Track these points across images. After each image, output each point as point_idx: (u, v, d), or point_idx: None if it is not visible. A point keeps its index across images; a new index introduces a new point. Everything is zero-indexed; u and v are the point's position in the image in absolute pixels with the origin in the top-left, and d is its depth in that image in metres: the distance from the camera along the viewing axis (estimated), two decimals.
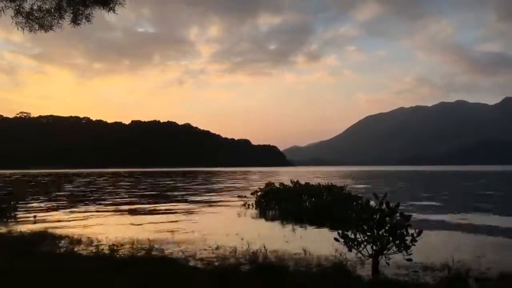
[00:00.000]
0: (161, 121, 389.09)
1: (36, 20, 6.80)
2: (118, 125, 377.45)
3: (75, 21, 6.84)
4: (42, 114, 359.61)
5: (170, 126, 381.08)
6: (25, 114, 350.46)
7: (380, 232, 7.44)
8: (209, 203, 23.30)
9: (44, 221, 15.68)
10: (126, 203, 23.73)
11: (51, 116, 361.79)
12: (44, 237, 11.42)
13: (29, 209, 20.05)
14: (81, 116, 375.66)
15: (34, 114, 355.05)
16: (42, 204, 22.93)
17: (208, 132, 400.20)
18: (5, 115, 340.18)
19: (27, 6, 6.65)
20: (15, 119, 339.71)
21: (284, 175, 77.14)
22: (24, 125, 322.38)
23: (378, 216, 7.48)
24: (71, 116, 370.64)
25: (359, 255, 7.88)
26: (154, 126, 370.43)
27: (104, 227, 14.17)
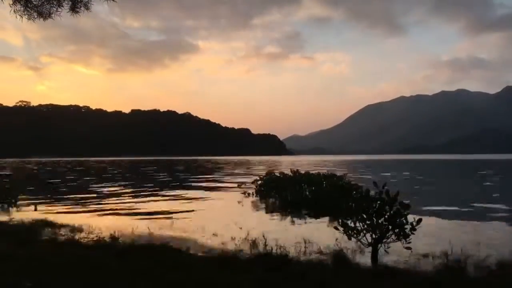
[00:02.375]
0: (161, 110, 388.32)
1: (34, 8, 6.74)
2: (117, 114, 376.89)
3: (73, 9, 6.77)
4: (42, 103, 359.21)
5: (170, 115, 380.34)
6: (24, 103, 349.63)
7: (380, 221, 7.48)
8: (209, 192, 23.37)
9: (45, 209, 15.75)
10: (126, 191, 23.80)
11: (51, 104, 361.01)
12: (45, 225, 11.49)
13: (30, 197, 20.11)
14: (81, 105, 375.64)
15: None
16: (43, 193, 23.01)
17: (208, 121, 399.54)
18: (4, 104, 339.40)
19: None
20: (15, 107, 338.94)
21: (284, 164, 77.26)
22: (24, 114, 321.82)
23: (377, 205, 7.51)
24: (70, 105, 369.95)
25: (359, 243, 7.94)
26: (154, 115, 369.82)
27: (104, 215, 14.24)
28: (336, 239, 9.09)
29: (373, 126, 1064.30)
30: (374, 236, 7.62)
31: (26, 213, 14.51)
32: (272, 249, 8.55)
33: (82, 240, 9.48)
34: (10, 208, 16.00)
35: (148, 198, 20.15)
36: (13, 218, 13.34)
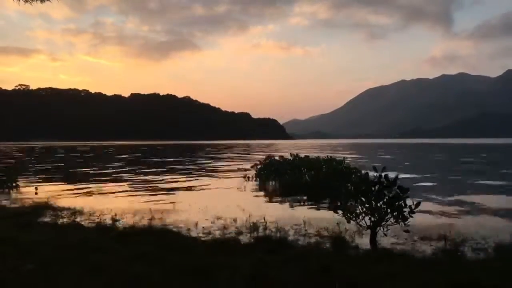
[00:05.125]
0: (161, 94, 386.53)
1: None
2: (117, 98, 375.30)
3: None
4: (41, 87, 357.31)
5: (170, 99, 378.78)
6: (24, 87, 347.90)
7: (379, 204, 7.52)
8: (210, 176, 23.45)
9: (46, 192, 15.80)
10: (126, 176, 23.88)
11: (50, 88, 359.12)
12: (46, 208, 11.54)
13: (31, 180, 20.18)
14: (80, 88, 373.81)
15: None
16: (43, 176, 23.08)
17: (208, 105, 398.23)
18: (4, 87, 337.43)
19: None
20: (14, 91, 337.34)
21: (284, 148, 77.33)
22: (23, 98, 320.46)
23: (376, 188, 7.54)
24: (70, 89, 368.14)
25: (358, 226, 7.99)
26: (154, 99, 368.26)
27: (105, 198, 14.29)
28: (336, 222, 9.15)
29: (373, 109, 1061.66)
30: (373, 219, 7.67)
31: (27, 196, 14.57)
32: (272, 232, 8.62)
33: (83, 223, 9.54)
34: (11, 191, 16.06)
35: (148, 182, 20.22)
36: (13, 201, 13.40)
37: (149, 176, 23.36)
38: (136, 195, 15.16)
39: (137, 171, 27.60)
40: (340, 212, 7.91)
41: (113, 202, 13.36)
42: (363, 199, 7.65)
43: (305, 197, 14.30)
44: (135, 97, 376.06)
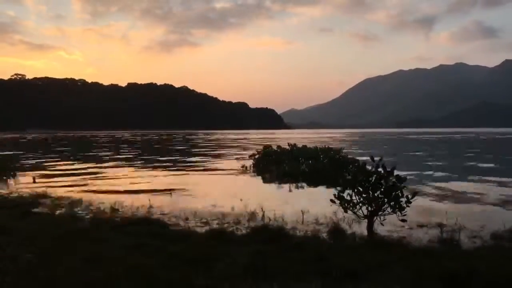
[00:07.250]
0: (158, 83, 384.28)
1: None
2: (114, 87, 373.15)
3: None
4: (37, 76, 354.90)
5: (167, 89, 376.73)
6: (20, 76, 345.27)
7: (376, 194, 7.54)
8: (208, 165, 23.46)
9: (43, 181, 15.78)
10: (125, 165, 23.86)
11: (46, 78, 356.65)
12: (44, 197, 11.55)
13: (29, 169, 20.13)
14: (77, 78, 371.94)
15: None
16: (42, 165, 23.02)
17: (205, 94, 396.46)
18: (0, 77, 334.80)
19: None
20: (10, 81, 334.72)
21: (282, 138, 77.30)
22: (19, 87, 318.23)
23: (374, 178, 7.55)
24: (66, 78, 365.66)
25: (355, 215, 8.02)
26: (151, 89, 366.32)
27: (104, 188, 14.27)
28: (333, 212, 9.19)
29: (371, 99, 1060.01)
30: (370, 209, 7.70)
31: (25, 186, 14.55)
32: (270, 220, 8.67)
33: (81, 213, 9.56)
34: (9, 181, 16.03)
35: (147, 172, 20.22)
36: (12, 190, 13.39)
37: (146, 166, 23.37)
38: (134, 185, 15.13)
39: (133, 161, 27.58)
40: (337, 201, 7.93)
41: (111, 192, 13.32)
42: (360, 189, 7.66)
43: (303, 186, 14.35)
44: (131, 86, 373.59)
